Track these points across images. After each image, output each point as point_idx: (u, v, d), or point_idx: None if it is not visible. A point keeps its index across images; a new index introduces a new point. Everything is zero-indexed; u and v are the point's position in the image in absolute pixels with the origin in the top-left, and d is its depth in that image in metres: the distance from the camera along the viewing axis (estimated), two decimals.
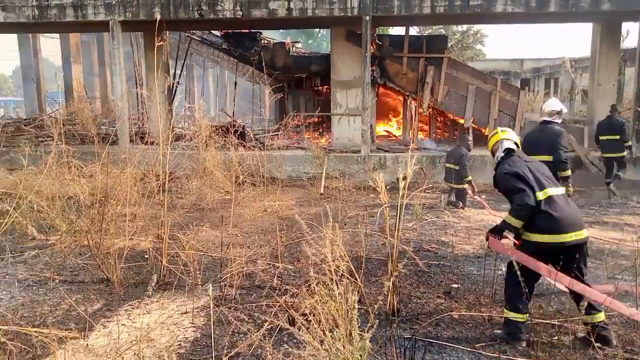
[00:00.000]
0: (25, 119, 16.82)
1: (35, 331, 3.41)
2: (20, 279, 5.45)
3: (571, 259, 3.74)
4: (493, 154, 4.28)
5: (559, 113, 6.15)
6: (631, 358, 3.70)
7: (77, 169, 7.91)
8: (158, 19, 9.88)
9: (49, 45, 26.06)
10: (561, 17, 13.33)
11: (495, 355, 3.70)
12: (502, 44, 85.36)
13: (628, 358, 3.70)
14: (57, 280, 5.39)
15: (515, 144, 4.21)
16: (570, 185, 6.04)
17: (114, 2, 12.25)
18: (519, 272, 3.64)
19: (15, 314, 4.44)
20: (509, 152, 4.12)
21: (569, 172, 6.01)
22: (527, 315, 3.92)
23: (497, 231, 4.03)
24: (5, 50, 36.64)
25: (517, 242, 3.98)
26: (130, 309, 4.68)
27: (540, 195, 3.76)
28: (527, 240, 3.82)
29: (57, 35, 21.80)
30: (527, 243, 3.83)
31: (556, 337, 4.03)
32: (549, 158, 5.86)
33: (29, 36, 22.11)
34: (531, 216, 3.74)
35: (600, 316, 3.79)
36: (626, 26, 13.80)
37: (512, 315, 3.85)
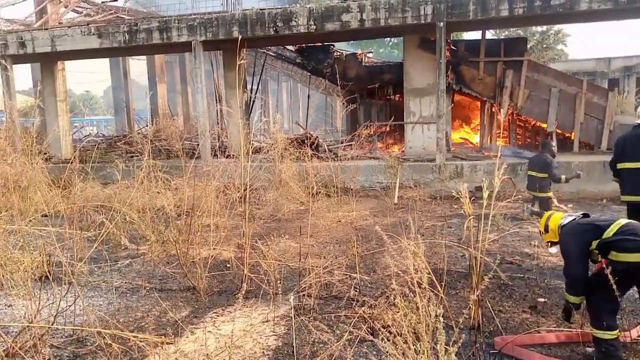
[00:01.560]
0: (117, 136, 18.14)
1: (133, 336, 3.65)
2: (116, 286, 5.86)
3: None
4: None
5: None
6: None
7: (164, 182, 8.42)
8: (238, 38, 10.31)
9: (136, 66, 28.00)
10: None
11: None
12: (586, 42, 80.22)
13: None
14: (148, 288, 5.73)
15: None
16: None
17: (195, 24, 12.97)
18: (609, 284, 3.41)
19: (113, 318, 4.78)
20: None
21: None
22: (618, 330, 3.65)
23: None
24: (97, 73, 39.92)
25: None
26: (215, 316, 4.88)
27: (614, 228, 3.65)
28: (615, 260, 3.60)
29: (144, 57, 23.39)
30: (614, 263, 3.59)
31: None
32: None
33: (118, 59, 23.95)
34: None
35: None
36: None
37: (602, 333, 3.60)
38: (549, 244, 4.31)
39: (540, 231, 4.29)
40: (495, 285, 5.40)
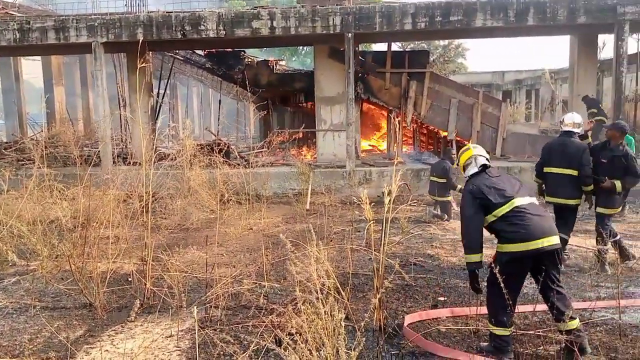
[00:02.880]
0: (6, 142, 16.61)
1: None
2: (0, 307, 5.32)
3: (545, 266, 3.78)
4: (464, 169, 4.26)
5: (579, 125, 6.24)
6: None
7: (59, 192, 7.81)
8: (141, 40, 9.88)
9: (30, 67, 25.88)
10: (539, 30, 13.62)
11: None
12: (484, 57, 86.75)
13: None
14: (39, 307, 5.27)
15: (487, 159, 4.22)
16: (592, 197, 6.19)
17: (96, 24, 12.24)
18: (501, 284, 3.64)
19: None
20: (484, 167, 4.14)
21: (592, 187, 6.05)
22: (512, 327, 3.92)
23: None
24: None
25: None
26: (114, 334, 4.59)
27: (505, 209, 3.80)
28: (501, 251, 3.86)
29: (39, 57, 21.67)
30: (500, 255, 3.86)
31: (542, 348, 4.04)
32: (574, 172, 5.96)
33: (9, 58, 21.96)
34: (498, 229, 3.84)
35: (574, 323, 3.79)
36: (602, 38, 14.18)
37: (497, 330, 3.85)
38: None
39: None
40: (399, 286, 5.59)
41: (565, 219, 6.10)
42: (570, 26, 12.27)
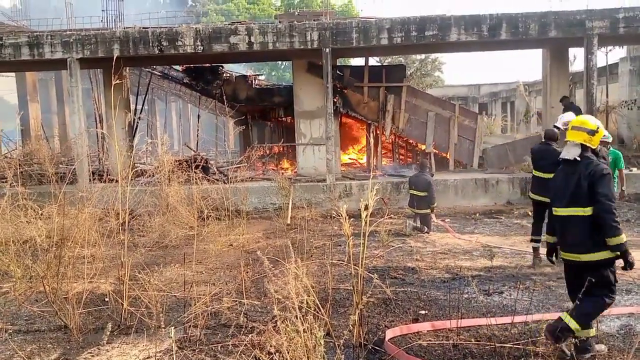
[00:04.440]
0: None
1: None
2: None
3: None
4: (595, 151, 4.04)
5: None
6: None
7: (34, 210, 7.64)
8: (119, 56, 9.79)
9: (4, 83, 25.44)
10: (512, 45, 13.95)
11: None
12: (460, 70, 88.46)
13: None
14: (11, 331, 5.11)
15: None
16: None
17: (71, 40, 12.11)
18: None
19: None
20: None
21: None
22: None
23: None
24: None
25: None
26: (90, 357, 4.47)
27: None
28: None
29: (13, 73, 21.31)
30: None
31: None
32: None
33: None
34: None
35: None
36: (572, 51, 14.59)
37: (592, 331, 3.97)
38: None
39: None
40: (380, 300, 5.59)
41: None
42: (541, 40, 12.59)
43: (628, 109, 17.80)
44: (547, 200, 6.17)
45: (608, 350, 4.17)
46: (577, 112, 12.71)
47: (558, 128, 6.97)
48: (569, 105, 12.92)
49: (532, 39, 12.27)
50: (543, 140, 7.22)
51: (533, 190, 7.11)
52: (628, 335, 4.49)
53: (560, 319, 3.88)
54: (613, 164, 7.41)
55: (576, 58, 14.42)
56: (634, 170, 12.26)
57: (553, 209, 4.08)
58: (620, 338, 4.46)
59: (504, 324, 4.75)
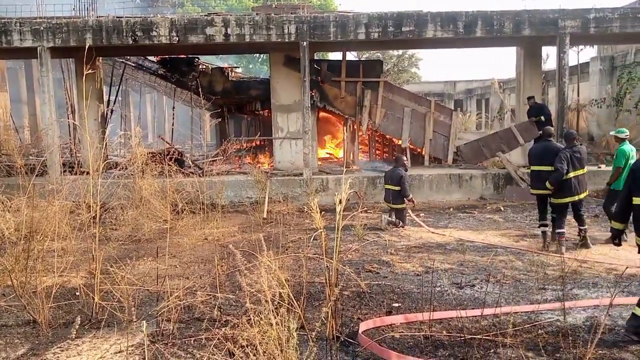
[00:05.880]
0: None
1: None
2: None
3: None
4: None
5: None
6: None
7: (2, 203, 7.43)
8: (92, 46, 9.57)
9: None
10: (487, 42, 14.14)
11: None
12: (436, 66, 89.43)
13: None
14: None
15: None
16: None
17: (41, 28, 11.78)
18: None
19: None
20: None
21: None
22: None
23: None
24: None
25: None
26: (59, 352, 4.39)
27: None
28: None
29: None
30: None
31: (492, 351, 4.16)
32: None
33: None
34: None
35: None
36: (545, 50, 14.89)
37: None
38: None
39: None
40: (355, 294, 5.63)
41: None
42: (515, 38, 12.81)
43: (598, 107, 18.29)
44: (548, 192, 7.30)
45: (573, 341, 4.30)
46: (540, 111, 13.07)
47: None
48: (533, 104, 13.27)
49: (507, 37, 12.47)
50: (542, 138, 8.05)
51: (533, 186, 7.77)
52: (593, 327, 4.63)
53: (634, 315, 4.36)
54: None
55: (549, 57, 14.76)
56: (602, 167, 12.60)
57: (633, 198, 4.50)
58: (586, 329, 4.60)
59: (475, 316, 4.85)
